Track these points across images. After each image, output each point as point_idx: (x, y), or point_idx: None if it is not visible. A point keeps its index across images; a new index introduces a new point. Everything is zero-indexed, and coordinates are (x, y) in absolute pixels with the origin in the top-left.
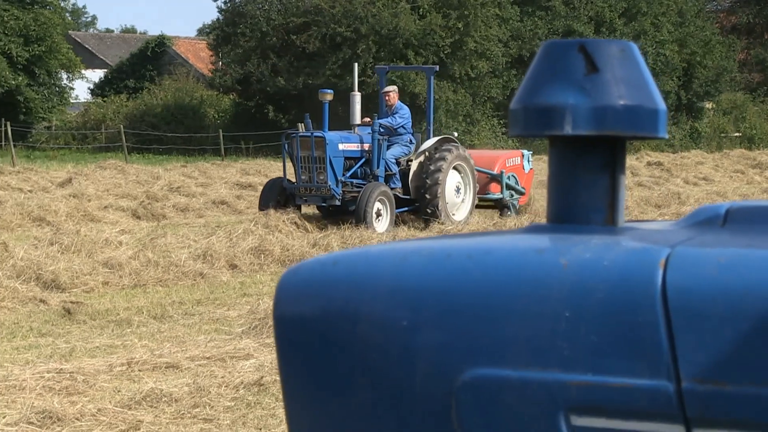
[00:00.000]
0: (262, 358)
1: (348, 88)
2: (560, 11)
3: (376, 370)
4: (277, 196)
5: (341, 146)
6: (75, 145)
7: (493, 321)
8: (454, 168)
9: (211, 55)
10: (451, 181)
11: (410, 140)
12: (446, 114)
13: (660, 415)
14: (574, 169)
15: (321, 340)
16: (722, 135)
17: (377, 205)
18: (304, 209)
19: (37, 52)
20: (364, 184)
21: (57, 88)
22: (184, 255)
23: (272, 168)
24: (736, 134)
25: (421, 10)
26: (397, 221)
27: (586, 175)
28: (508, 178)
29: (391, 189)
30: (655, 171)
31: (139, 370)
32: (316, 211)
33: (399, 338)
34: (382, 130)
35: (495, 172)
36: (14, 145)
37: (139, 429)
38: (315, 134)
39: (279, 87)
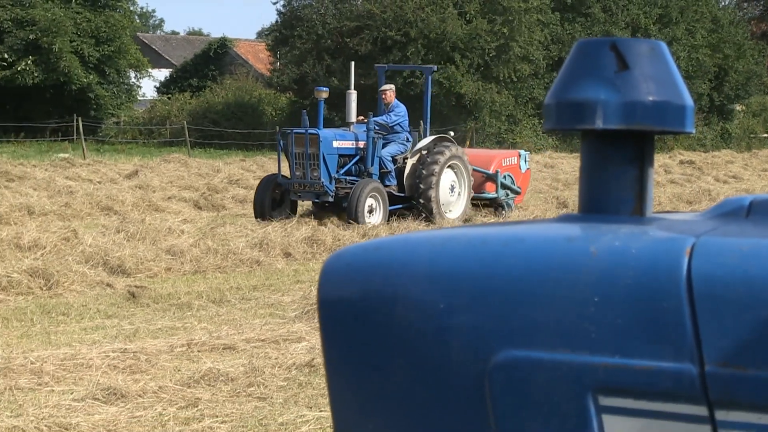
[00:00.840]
0: (314, 341)
1: (398, 89)
2: (599, 17)
3: (413, 350)
4: (272, 192)
5: (335, 143)
6: (141, 140)
7: (526, 305)
8: (449, 167)
9: (270, 56)
10: (446, 179)
11: (407, 138)
12: (490, 114)
13: (684, 397)
14: (604, 161)
15: (362, 320)
16: (751, 136)
17: (369, 201)
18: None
19: (107, 52)
20: (357, 181)
21: (125, 86)
22: (241, 243)
23: None
24: (765, 135)
25: (467, 15)
26: (392, 218)
27: (616, 168)
28: (504, 177)
29: (387, 186)
30: (687, 169)
31: (198, 351)
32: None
33: (436, 320)
34: (377, 127)
35: (491, 171)
36: (85, 139)
37: (197, 406)
38: (309, 131)
39: (333, 87)
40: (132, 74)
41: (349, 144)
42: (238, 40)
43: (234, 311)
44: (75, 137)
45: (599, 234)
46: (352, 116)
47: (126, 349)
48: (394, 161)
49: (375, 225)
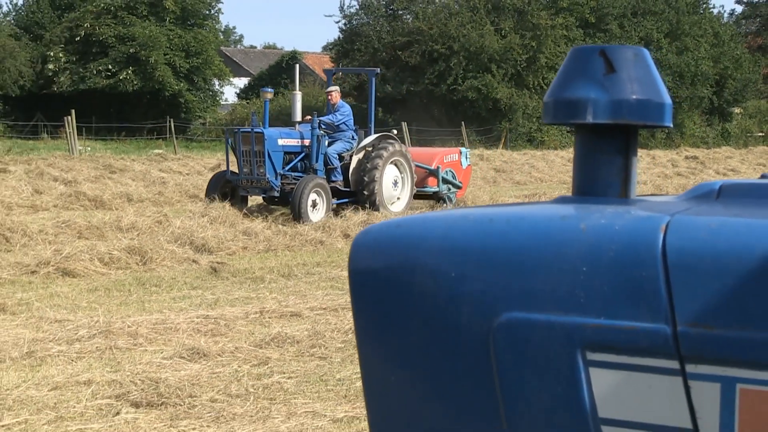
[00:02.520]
0: None
1: (442, 95)
2: (616, 33)
3: (429, 313)
4: (222, 187)
5: (281, 141)
6: (224, 138)
7: (525, 274)
8: (392, 163)
9: (333, 67)
10: (389, 175)
11: (352, 137)
12: (523, 117)
13: (659, 353)
14: (594, 151)
15: (386, 288)
16: (748, 135)
17: (313, 196)
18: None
19: (195, 64)
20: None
21: (210, 93)
22: (307, 226)
23: None
24: (760, 134)
25: (502, 31)
26: (337, 212)
27: (604, 157)
28: (445, 173)
29: (332, 182)
30: (692, 163)
31: (269, 317)
32: (261, 201)
33: (448, 287)
34: (323, 126)
35: (432, 167)
36: (176, 138)
37: (267, 364)
38: (255, 130)
39: (387, 93)
40: (216, 82)
41: (294, 142)
42: (306, 53)
43: (300, 284)
44: (167, 136)
45: (588, 213)
46: (297, 116)
47: (208, 315)
48: (341, 158)
49: (422, 211)
